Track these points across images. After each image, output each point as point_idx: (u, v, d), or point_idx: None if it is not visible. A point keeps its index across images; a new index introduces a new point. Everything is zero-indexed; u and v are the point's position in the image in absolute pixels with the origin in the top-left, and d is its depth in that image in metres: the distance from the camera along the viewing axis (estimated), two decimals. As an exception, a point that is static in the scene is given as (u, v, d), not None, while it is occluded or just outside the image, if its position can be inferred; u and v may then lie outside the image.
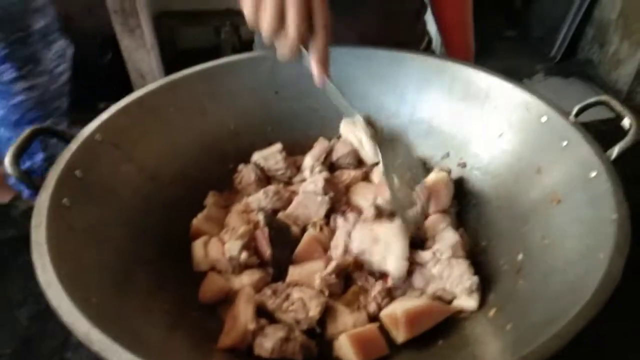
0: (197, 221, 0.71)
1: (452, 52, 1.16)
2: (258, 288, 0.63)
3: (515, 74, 2.86)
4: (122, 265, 0.59)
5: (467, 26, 1.13)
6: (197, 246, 0.68)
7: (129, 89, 0.74)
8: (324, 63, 0.61)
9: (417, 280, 0.64)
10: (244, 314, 0.58)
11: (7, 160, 0.58)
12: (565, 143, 0.65)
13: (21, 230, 0.53)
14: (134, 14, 2.29)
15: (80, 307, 0.46)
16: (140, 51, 2.41)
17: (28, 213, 0.54)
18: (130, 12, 2.28)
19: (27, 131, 0.62)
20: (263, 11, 0.57)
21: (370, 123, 0.81)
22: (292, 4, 0.56)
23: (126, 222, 0.64)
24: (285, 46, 0.59)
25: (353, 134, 0.81)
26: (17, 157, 0.58)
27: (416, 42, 1.11)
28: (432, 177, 0.74)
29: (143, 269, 0.61)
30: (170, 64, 2.66)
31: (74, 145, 0.63)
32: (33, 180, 0.59)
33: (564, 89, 2.98)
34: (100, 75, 2.73)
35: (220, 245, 0.67)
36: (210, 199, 0.76)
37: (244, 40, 2.93)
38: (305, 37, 0.59)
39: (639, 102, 2.75)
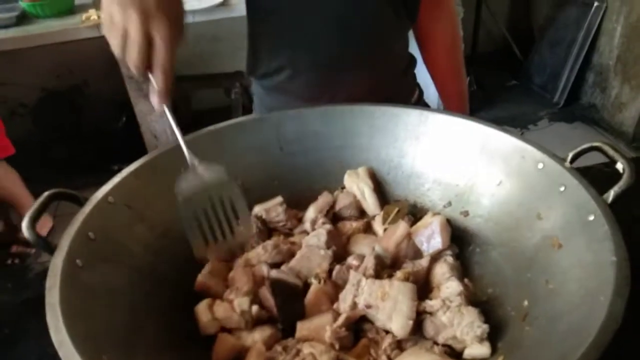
0: (202, 276, 0.72)
1: (447, 101, 1.19)
2: (269, 345, 0.64)
3: (520, 121, 2.91)
4: (132, 322, 0.60)
5: (459, 75, 1.17)
6: (202, 310, 0.67)
7: (143, 151, 0.78)
8: (161, 95, 0.67)
9: (428, 329, 0.64)
10: (253, 372, 0.59)
11: (25, 224, 0.60)
12: (562, 188, 0.66)
13: (36, 291, 0.55)
14: (147, 79, 2.38)
15: (91, 365, 0.47)
16: (153, 114, 2.49)
17: (42, 274, 0.56)
18: (144, 79, 2.38)
19: (43, 196, 0.65)
20: (112, 37, 0.65)
21: (372, 175, 0.84)
22: (132, 39, 0.63)
23: (137, 279, 0.66)
24: (131, 68, 0.66)
25: (356, 186, 0.84)
26: (34, 221, 0.61)
27: (406, 96, 1.15)
28: (428, 218, 0.76)
29: (153, 325, 0.62)
30: (183, 125, 2.75)
31: (87, 208, 0.66)
32: (49, 243, 0.61)
33: (569, 133, 3.01)
34: (115, 138, 2.83)
35: (227, 305, 0.67)
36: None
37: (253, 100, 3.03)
38: (148, 68, 0.66)
39: (646, 144, 2.76)
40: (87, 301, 0.57)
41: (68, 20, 2.26)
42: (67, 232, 0.62)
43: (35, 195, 0.65)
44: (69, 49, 2.31)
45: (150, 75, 0.66)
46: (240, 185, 0.85)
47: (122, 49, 0.65)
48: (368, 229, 0.82)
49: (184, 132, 0.73)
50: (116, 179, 0.72)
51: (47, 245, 0.61)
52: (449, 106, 1.18)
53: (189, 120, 2.94)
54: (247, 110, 0.92)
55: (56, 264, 0.58)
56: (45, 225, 2.32)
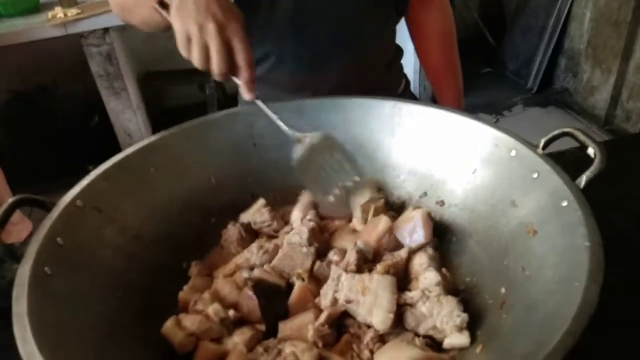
0: (184, 293, 0.70)
1: (441, 96, 1.16)
2: (250, 347, 0.63)
3: (495, 108, 2.93)
4: (104, 330, 0.58)
5: (454, 68, 1.14)
6: (171, 330, 0.63)
7: (117, 150, 0.76)
8: (250, 86, 0.74)
9: (409, 321, 0.64)
10: (233, 374, 0.58)
11: (-12, 233, 0.58)
12: (535, 175, 0.66)
13: (9, 301, 0.53)
14: (119, 78, 2.34)
15: (61, 377, 0.45)
16: (126, 112, 2.45)
17: (12, 283, 0.54)
18: (115, 76, 2.33)
19: (8, 202, 0.63)
20: (193, 51, 0.71)
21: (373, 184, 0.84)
22: (214, 49, 0.69)
23: (108, 285, 0.64)
24: (215, 77, 0.73)
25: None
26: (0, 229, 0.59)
27: (392, 88, 1.13)
28: (410, 213, 0.76)
29: (127, 332, 0.61)
30: (157, 121, 2.71)
31: (55, 213, 0.64)
32: (15, 251, 0.59)
33: (544, 118, 3.06)
34: (88, 138, 2.77)
35: (199, 317, 0.64)
36: (194, 270, 0.75)
37: (229, 95, 3.00)
38: (230, 71, 0.72)
39: (618, 126, 2.82)
40: (56, 310, 0.55)
41: (34, 19, 2.20)
42: (34, 239, 0.60)
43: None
44: (36, 48, 2.24)
45: (232, 76, 0.73)
46: (214, 185, 0.84)
47: (205, 62, 0.71)
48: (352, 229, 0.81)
49: (156, 129, 0.72)
50: (84, 182, 0.70)
51: (14, 253, 0.60)
52: (443, 100, 1.15)
53: (162, 117, 2.90)
54: (223, 106, 0.90)
55: (24, 272, 0.56)
56: (24, 230, 2.26)
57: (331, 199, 0.78)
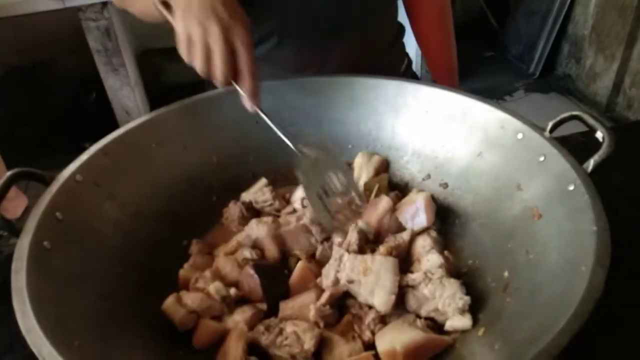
0: (184, 271, 0.69)
1: (436, 74, 1.16)
2: (251, 325, 0.63)
3: (496, 92, 2.92)
4: (105, 306, 0.58)
5: (449, 48, 1.14)
6: (171, 307, 0.63)
7: (115, 127, 0.75)
8: (253, 97, 0.70)
9: (411, 302, 0.63)
10: (233, 352, 0.58)
11: (-14, 206, 0.57)
12: (542, 158, 0.65)
13: (6, 276, 0.52)
14: (117, 53, 2.31)
15: (61, 351, 0.45)
16: (124, 89, 2.42)
17: (11, 258, 0.54)
18: (113, 52, 2.30)
19: (6, 175, 0.62)
20: (194, 55, 0.67)
21: (380, 167, 0.84)
22: (217, 52, 0.66)
23: (108, 261, 0.63)
24: (216, 83, 0.69)
25: (359, 168, 0.83)
26: (-3, 203, 0.58)
27: (394, 66, 1.12)
28: (413, 195, 0.75)
29: (127, 309, 0.60)
30: (155, 100, 2.68)
31: (54, 188, 0.63)
32: (13, 224, 0.58)
33: (545, 104, 3.04)
34: (85, 114, 2.74)
35: (200, 294, 0.64)
36: (194, 248, 0.75)
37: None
38: (233, 77, 0.69)
39: (619, 113, 2.81)
40: (56, 284, 0.55)
41: (30, -9, 2.15)
42: (33, 213, 0.59)
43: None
44: (33, 22, 2.20)
45: (234, 83, 0.69)
46: (215, 162, 0.83)
47: (207, 66, 0.67)
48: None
49: (154, 107, 0.71)
50: (84, 157, 0.69)
51: (12, 227, 0.59)
52: (438, 79, 1.16)
53: (159, 95, 2.87)
54: (221, 85, 0.88)
55: (22, 246, 0.55)
56: (20, 205, 2.24)
57: (334, 223, 0.73)
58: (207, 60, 0.67)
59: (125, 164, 0.73)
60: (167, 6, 0.71)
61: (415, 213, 0.73)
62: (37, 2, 2.07)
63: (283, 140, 0.86)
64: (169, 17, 0.70)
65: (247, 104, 0.71)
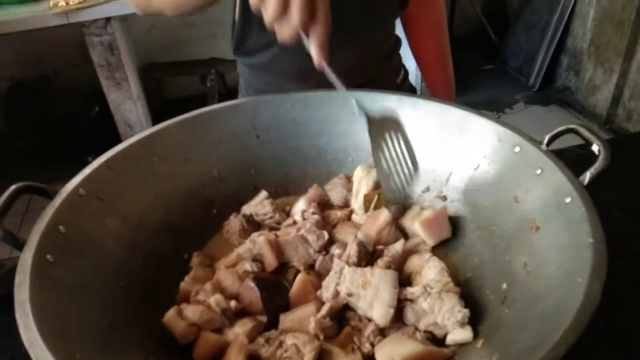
0: (185, 284, 0.70)
1: (433, 88, 1.18)
2: (252, 337, 0.63)
3: (496, 105, 2.93)
4: (107, 318, 0.58)
5: (446, 61, 1.16)
6: (172, 320, 0.62)
7: (117, 141, 0.76)
8: (323, 48, 0.65)
9: (409, 316, 0.64)
10: (233, 364, 0.58)
11: (-9, 220, 0.58)
12: (539, 171, 0.66)
13: (9, 288, 0.53)
14: (120, 68, 2.33)
15: (63, 364, 0.45)
16: (127, 103, 2.44)
17: (14, 271, 0.54)
18: (116, 66, 2.32)
19: (10, 190, 0.62)
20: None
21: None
22: (296, 3, 0.60)
23: (111, 273, 0.64)
24: (287, 30, 0.63)
25: (358, 181, 0.83)
26: (1, 217, 0.59)
27: (391, 77, 1.14)
28: (429, 212, 0.76)
29: (128, 321, 0.61)
30: (157, 113, 2.71)
31: (57, 201, 0.63)
32: (17, 238, 0.59)
33: (545, 116, 3.06)
34: (88, 128, 2.76)
35: (200, 307, 0.64)
36: (195, 260, 0.75)
37: (230, 87, 2.99)
38: (306, 23, 0.63)
39: (618, 125, 2.82)
40: (58, 298, 0.55)
41: (35, 7, 2.18)
42: (36, 227, 0.60)
43: (5, 190, 0.63)
44: (37, 37, 2.24)
45: (303, 35, 0.64)
46: (216, 176, 0.84)
47: (281, 12, 0.61)
48: (350, 217, 0.81)
49: (156, 121, 0.71)
50: (87, 171, 0.69)
51: (16, 240, 0.59)
52: (435, 93, 1.17)
53: (161, 108, 2.90)
54: (223, 98, 0.90)
55: (25, 259, 0.56)
56: None
57: (392, 184, 0.78)
58: (282, 6, 0.61)
59: (128, 178, 0.73)
60: None
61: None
62: (42, 18, 2.10)
63: (285, 156, 0.88)
64: None
65: (316, 58, 0.65)
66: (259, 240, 0.72)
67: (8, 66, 2.77)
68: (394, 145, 0.79)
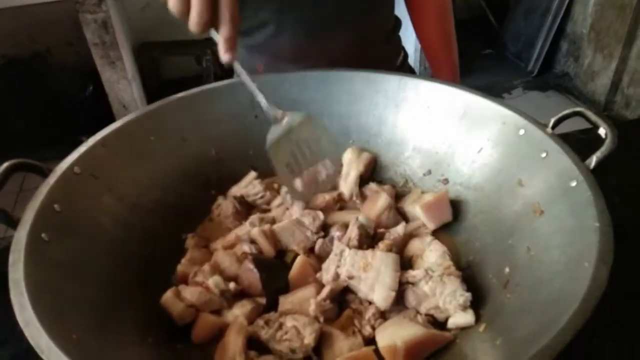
0: (182, 266, 0.69)
1: (438, 71, 1.15)
2: (251, 319, 0.62)
3: (494, 90, 2.92)
4: (103, 299, 0.57)
5: (450, 43, 1.13)
6: (170, 301, 0.62)
7: (111, 121, 0.74)
8: (230, 44, 0.64)
9: (410, 299, 0.63)
10: (233, 346, 0.57)
11: (-17, 196, 0.57)
12: (544, 155, 0.65)
13: (3, 268, 0.52)
14: (115, 46, 2.30)
15: (59, 344, 0.44)
16: (121, 82, 2.41)
17: (8, 250, 0.53)
18: (111, 45, 2.29)
19: (3, 166, 0.61)
20: None
21: (369, 164, 0.83)
22: None
23: (107, 253, 0.63)
24: (191, 26, 0.62)
25: (348, 164, 0.82)
26: (-6, 194, 0.57)
27: (390, 59, 1.12)
28: (430, 196, 0.75)
29: (125, 301, 0.60)
30: (152, 93, 2.67)
31: (52, 179, 0.62)
32: (10, 216, 0.58)
33: (543, 101, 3.04)
34: (82, 108, 2.73)
35: (199, 289, 0.63)
36: (190, 242, 0.74)
37: (226, 68, 2.95)
38: (211, 22, 0.62)
39: (617, 112, 2.81)
40: (53, 277, 0.54)
41: (27, -17, 2.13)
42: (30, 205, 0.59)
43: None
44: (30, 13, 2.19)
45: (212, 30, 0.63)
46: (214, 156, 0.83)
47: (184, 5, 0.61)
48: (340, 201, 0.79)
49: (151, 100, 0.69)
50: (82, 149, 0.68)
51: (10, 218, 0.58)
52: (439, 76, 1.15)
53: (157, 88, 2.86)
54: (219, 79, 0.87)
55: (20, 238, 0.55)
56: None
57: (298, 183, 0.70)
58: (186, 2, 0.61)
59: (124, 157, 0.72)
60: None
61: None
62: (35, -6, 2.06)
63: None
64: None
65: (223, 52, 0.64)
66: (254, 233, 0.71)
67: (0, 44, 2.71)
68: (300, 147, 0.69)
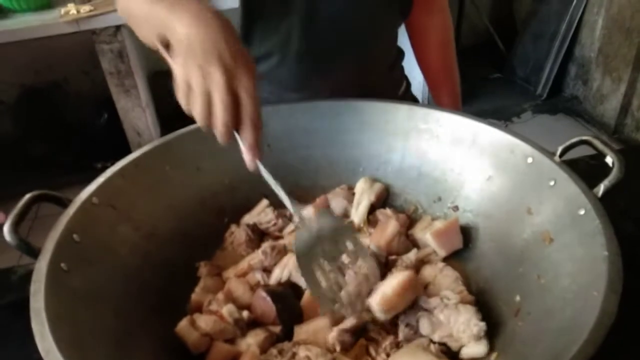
0: (196, 295, 0.70)
1: (440, 99, 1.17)
2: (264, 348, 0.63)
3: (504, 114, 2.91)
4: (121, 326, 0.59)
5: (452, 72, 1.15)
6: (185, 330, 0.62)
7: (125, 148, 0.76)
8: (254, 151, 0.63)
9: (424, 326, 0.63)
10: (245, 376, 0.58)
11: (7, 228, 0.59)
12: (552, 183, 0.66)
13: (20, 294, 0.53)
14: (129, 75, 2.35)
15: (78, 373, 0.46)
16: (136, 110, 2.45)
17: (26, 277, 0.55)
18: (126, 73, 2.34)
19: (25, 198, 0.63)
20: (193, 103, 0.60)
21: (381, 194, 0.84)
22: (218, 100, 0.58)
23: (123, 282, 0.64)
24: (217, 134, 0.61)
25: (360, 193, 0.83)
26: (16, 225, 0.59)
27: (393, 89, 1.13)
28: (440, 223, 0.76)
29: (142, 329, 0.61)
30: (166, 121, 2.72)
31: (71, 210, 0.64)
32: (32, 246, 0.60)
33: (552, 125, 3.04)
34: (97, 135, 2.78)
35: (213, 317, 0.64)
36: (203, 270, 0.75)
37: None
38: (235, 127, 0.61)
39: (627, 135, 2.80)
40: (73, 306, 0.55)
41: (46, 15, 2.20)
42: (51, 235, 0.60)
43: (15, 196, 0.63)
44: (48, 44, 2.25)
45: (236, 135, 0.61)
46: (227, 184, 0.84)
47: (207, 115, 0.59)
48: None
49: (168, 129, 0.71)
50: (100, 179, 0.70)
51: (31, 249, 0.60)
52: (441, 103, 1.16)
53: (170, 115, 2.90)
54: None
55: (40, 268, 0.56)
56: None
57: (337, 307, 0.63)
58: (207, 109, 0.59)
59: (141, 187, 0.74)
60: (169, 47, 0.64)
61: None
62: (53, 26, 2.12)
63: (296, 165, 0.88)
64: (168, 59, 0.64)
65: (248, 159, 0.63)
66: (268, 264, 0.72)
67: (19, 73, 2.79)
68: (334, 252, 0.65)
